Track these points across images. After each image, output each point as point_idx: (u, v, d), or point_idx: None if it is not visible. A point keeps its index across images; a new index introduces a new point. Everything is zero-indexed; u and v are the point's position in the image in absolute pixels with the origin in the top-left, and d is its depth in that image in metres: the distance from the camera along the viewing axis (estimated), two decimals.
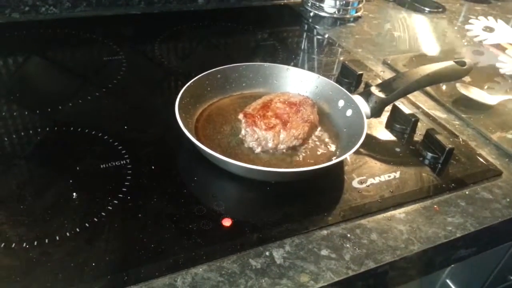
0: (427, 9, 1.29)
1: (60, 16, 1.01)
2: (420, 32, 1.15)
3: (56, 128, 0.66)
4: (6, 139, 0.63)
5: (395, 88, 0.70)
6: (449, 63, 0.73)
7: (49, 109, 0.70)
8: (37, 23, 0.97)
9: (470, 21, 1.10)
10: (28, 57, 0.86)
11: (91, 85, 0.78)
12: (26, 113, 0.69)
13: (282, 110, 0.67)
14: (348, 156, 0.61)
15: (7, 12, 0.97)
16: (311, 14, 1.16)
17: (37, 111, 0.70)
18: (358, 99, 0.70)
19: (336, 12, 1.16)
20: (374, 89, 0.71)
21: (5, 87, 0.75)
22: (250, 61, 0.91)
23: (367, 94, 0.71)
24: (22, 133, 0.65)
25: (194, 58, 0.94)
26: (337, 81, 0.87)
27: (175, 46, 0.97)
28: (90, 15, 1.03)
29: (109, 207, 0.53)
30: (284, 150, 0.65)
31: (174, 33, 1.00)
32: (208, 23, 1.07)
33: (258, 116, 0.66)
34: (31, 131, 0.65)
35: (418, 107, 0.81)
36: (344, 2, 1.14)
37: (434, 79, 0.72)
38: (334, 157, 0.64)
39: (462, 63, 0.74)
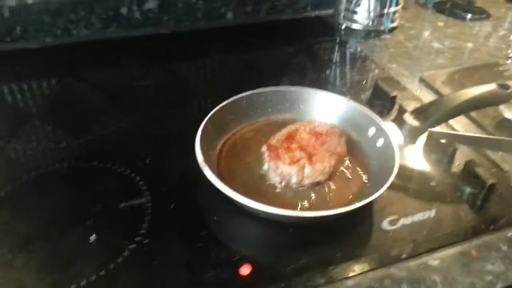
0: (469, 15, 1.21)
1: (91, 38, 1.02)
2: (461, 42, 1.08)
3: (76, 163, 0.66)
4: (27, 176, 0.63)
5: (431, 116, 0.65)
6: (491, 86, 0.67)
7: (71, 142, 0.70)
8: (69, 46, 0.99)
9: None
10: (55, 84, 0.87)
11: (116, 114, 0.78)
12: (50, 145, 0.70)
13: (307, 142, 0.64)
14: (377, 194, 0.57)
15: (41, 36, 0.98)
16: (343, 26, 1.12)
17: (60, 145, 0.70)
18: (390, 127, 0.66)
19: (370, 24, 1.10)
20: (407, 117, 0.66)
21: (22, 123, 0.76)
22: (278, 80, 0.89)
23: (400, 122, 0.66)
24: (42, 170, 0.64)
25: (222, 79, 0.92)
26: (369, 103, 0.82)
27: (203, 67, 0.96)
28: (120, 36, 1.03)
29: (125, 253, 0.52)
30: (309, 186, 0.62)
31: (203, 52, 0.99)
32: (236, 40, 1.05)
33: (282, 149, 0.63)
34: (51, 167, 0.65)
35: (456, 132, 0.75)
36: (378, 13, 1.09)
37: (475, 105, 0.67)
38: (363, 194, 0.61)
39: (506, 87, 0.68)
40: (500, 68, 0.96)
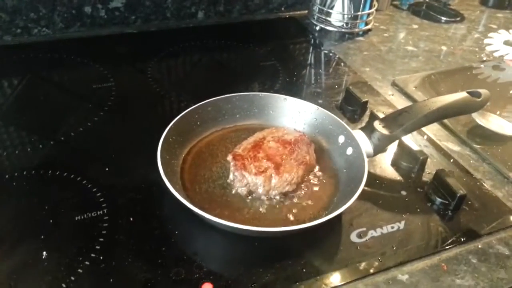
0: (444, 18, 1.21)
1: (53, 37, 0.97)
2: (435, 45, 1.07)
3: (33, 172, 0.62)
4: None
5: (400, 124, 0.64)
6: (462, 94, 0.66)
7: (28, 149, 0.66)
8: (30, 45, 0.94)
9: (489, 34, 1.02)
10: (16, 86, 0.82)
11: (76, 118, 0.74)
12: (6, 151, 0.65)
13: (274, 151, 0.62)
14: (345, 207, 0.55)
15: None
16: (317, 28, 1.10)
17: (16, 152, 0.66)
18: (359, 135, 0.64)
19: (344, 26, 1.09)
20: (377, 124, 0.64)
21: None
22: (248, 84, 0.86)
23: (369, 130, 0.64)
24: None
25: (189, 82, 0.89)
26: (340, 108, 0.80)
27: (169, 70, 0.92)
28: (84, 35, 0.98)
29: (79, 270, 0.49)
30: (277, 197, 0.59)
31: (170, 53, 0.95)
32: (207, 41, 1.01)
33: (248, 158, 0.60)
34: (6, 175, 0.61)
35: (428, 138, 0.74)
36: (352, 15, 1.07)
37: (445, 113, 0.66)
38: (333, 204, 0.59)
39: (477, 94, 0.67)
40: (474, 72, 0.96)
